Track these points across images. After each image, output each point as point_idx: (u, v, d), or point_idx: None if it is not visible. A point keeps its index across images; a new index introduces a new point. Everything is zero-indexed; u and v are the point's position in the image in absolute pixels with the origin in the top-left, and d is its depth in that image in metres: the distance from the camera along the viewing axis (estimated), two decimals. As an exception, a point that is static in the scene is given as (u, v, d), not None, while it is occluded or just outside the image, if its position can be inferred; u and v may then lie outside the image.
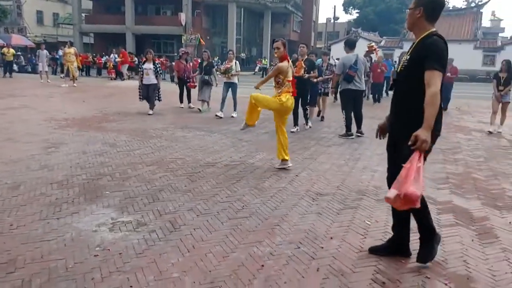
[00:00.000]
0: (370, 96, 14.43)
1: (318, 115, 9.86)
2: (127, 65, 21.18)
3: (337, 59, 13.96)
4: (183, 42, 29.50)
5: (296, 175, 5.02)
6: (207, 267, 2.80)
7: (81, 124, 7.98)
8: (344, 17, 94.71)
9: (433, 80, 2.53)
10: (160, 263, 2.84)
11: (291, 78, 5.14)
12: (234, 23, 35.79)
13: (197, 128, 8.04)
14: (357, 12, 52.57)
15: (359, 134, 7.64)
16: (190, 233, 3.33)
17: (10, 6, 35.60)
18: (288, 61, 5.15)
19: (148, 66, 9.55)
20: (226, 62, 9.91)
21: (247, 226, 3.50)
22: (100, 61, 25.17)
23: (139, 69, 9.93)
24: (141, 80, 9.63)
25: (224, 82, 9.68)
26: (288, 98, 5.08)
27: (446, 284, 2.69)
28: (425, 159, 2.63)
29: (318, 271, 2.78)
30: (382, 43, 34.14)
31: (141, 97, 9.77)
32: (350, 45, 7.72)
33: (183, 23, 32.43)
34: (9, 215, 3.56)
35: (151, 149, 6.19)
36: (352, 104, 7.59)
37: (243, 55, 38.78)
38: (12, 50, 20.61)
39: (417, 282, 2.70)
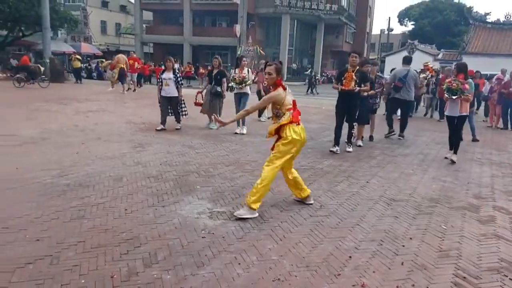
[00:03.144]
0: (436, 112, 13.65)
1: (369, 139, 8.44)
2: (136, 74, 19.24)
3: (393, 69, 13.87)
4: (238, 53, 30.46)
5: (367, 182, 5.28)
6: (300, 254, 3.17)
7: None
8: (398, 29, 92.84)
9: None
10: (258, 247, 3.24)
11: (290, 106, 4.01)
12: (287, 34, 36.38)
13: (262, 135, 8.47)
14: (412, 24, 51.56)
15: (400, 137, 8.70)
16: (278, 225, 3.72)
17: (78, 16, 38.61)
18: (284, 88, 4.01)
19: (168, 75, 8.29)
20: (238, 70, 8.61)
21: (328, 223, 3.83)
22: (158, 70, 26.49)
23: (158, 80, 8.67)
24: (159, 92, 8.43)
25: (235, 93, 8.72)
26: (294, 131, 3.94)
27: (527, 285, 2.86)
28: None
29: (403, 265, 3.06)
30: (439, 56, 33.17)
31: (163, 113, 8.48)
32: (405, 61, 8.86)
33: (238, 35, 33.57)
34: (122, 201, 4.14)
35: (225, 151, 6.69)
36: (395, 110, 9.04)
37: (294, 65, 39.28)
38: (78, 57, 22.22)
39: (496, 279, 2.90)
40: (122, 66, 16.95)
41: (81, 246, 3.13)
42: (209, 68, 10.88)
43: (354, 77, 6.74)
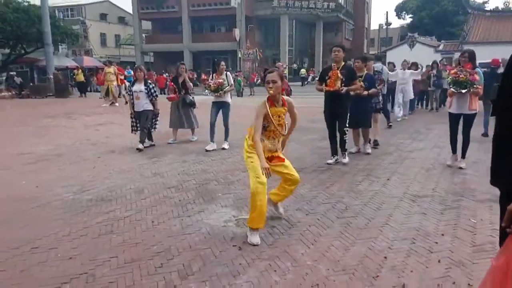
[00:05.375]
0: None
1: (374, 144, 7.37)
2: (123, 85, 17.35)
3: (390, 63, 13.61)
4: (239, 57, 30.52)
5: (388, 179, 5.25)
6: (334, 257, 3.14)
7: (169, 138, 8.61)
8: (396, 22, 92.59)
9: None
10: (291, 252, 3.22)
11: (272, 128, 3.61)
12: (286, 35, 36.46)
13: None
14: (410, 17, 51.38)
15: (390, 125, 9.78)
16: (307, 229, 3.69)
17: (78, 30, 38.85)
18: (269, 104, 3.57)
19: (138, 87, 7.31)
20: (216, 75, 7.29)
21: (357, 224, 3.80)
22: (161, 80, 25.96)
23: (128, 92, 7.85)
24: (132, 107, 7.44)
25: (213, 102, 7.43)
26: None
27: None
28: None
29: (440, 262, 3.02)
30: (440, 47, 33.08)
31: (134, 128, 7.61)
32: (377, 59, 10.22)
33: (237, 39, 33.63)
34: (147, 213, 4.13)
35: (240, 157, 6.65)
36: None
37: (295, 65, 39.28)
38: (80, 72, 22.09)
39: None
40: (110, 82, 15.84)
41: (114, 262, 3.11)
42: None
43: (339, 75, 5.81)
